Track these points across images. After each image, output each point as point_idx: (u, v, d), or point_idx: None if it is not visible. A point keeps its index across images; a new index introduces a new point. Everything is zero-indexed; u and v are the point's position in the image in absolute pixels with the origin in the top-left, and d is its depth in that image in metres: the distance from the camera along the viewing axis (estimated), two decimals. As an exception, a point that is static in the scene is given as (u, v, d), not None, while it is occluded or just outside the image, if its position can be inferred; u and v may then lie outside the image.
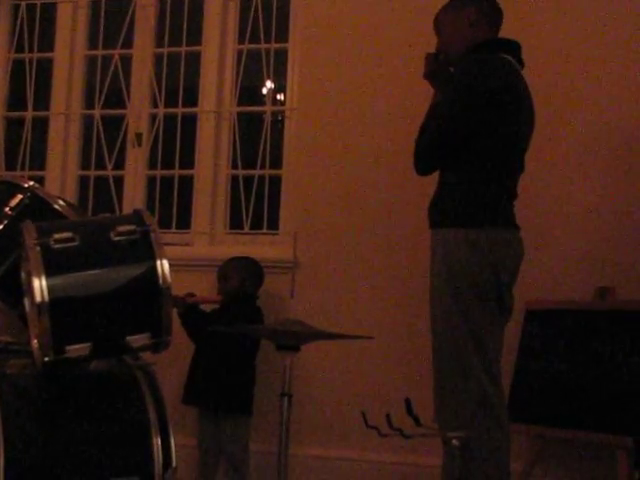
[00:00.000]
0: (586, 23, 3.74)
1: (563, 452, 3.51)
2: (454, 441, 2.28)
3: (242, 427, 3.67)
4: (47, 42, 4.55)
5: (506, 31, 2.91)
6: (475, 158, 2.69)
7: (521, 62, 2.84)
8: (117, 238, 1.97)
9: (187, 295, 3.70)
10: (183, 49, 4.43)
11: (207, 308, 3.83)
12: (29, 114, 4.53)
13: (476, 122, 2.66)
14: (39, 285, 1.84)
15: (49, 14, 4.56)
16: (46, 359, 1.88)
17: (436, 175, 2.85)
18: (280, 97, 4.50)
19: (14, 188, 2.31)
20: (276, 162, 4.24)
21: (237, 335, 3.55)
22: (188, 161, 4.33)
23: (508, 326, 2.88)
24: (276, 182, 4.21)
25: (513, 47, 2.82)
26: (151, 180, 4.39)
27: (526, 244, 2.84)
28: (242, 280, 3.78)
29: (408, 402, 2.36)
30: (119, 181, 4.39)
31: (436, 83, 2.90)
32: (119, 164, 4.41)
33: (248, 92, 4.47)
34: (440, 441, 2.52)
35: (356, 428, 3.68)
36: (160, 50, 4.44)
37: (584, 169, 3.69)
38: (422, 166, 2.79)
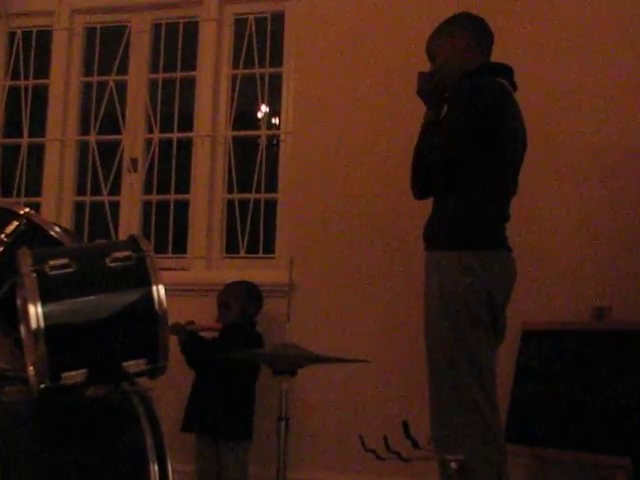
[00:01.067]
0: (577, 45, 3.78)
1: (562, 473, 3.49)
2: (452, 464, 2.27)
3: (242, 452, 3.66)
4: (43, 69, 4.58)
5: (498, 54, 2.93)
6: (470, 181, 2.70)
7: (514, 85, 2.86)
8: (113, 264, 1.97)
9: (187, 323, 3.71)
10: (178, 74, 4.46)
11: (207, 335, 3.83)
12: (25, 141, 4.55)
13: (474, 146, 2.67)
14: (35, 312, 1.84)
15: (45, 41, 4.59)
16: (42, 386, 1.87)
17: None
18: (275, 121, 4.52)
19: (10, 215, 2.31)
20: (271, 186, 4.25)
21: (237, 361, 3.55)
22: (184, 186, 4.34)
23: (505, 346, 2.89)
24: (272, 206, 4.22)
25: (506, 71, 2.84)
26: (147, 205, 4.40)
27: (523, 264, 2.84)
28: (243, 307, 3.79)
29: (406, 425, 2.36)
30: (115, 207, 4.40)
31: (429, 102, 2.91)
32: (115, 190, 4.42)
33: (243, 116, 4.49)
34: (437, 464, 2.51)
35: (354, 452, 3.67)
36: (155, 76, 4.47)
37: (578, 190, 3.71)
38: (420, 190, 2.81)
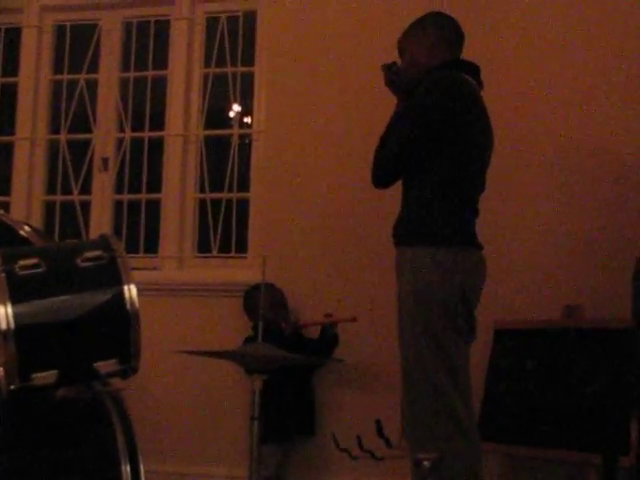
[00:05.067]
0: (546, 43, 3.80)
1: (534, 470, 3.52)
2: (425, 462, 2.28)
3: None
4: (12, 67, 4.53)
5: (468, 53, 2.95)
6: (437, 176, 2.72)
7: (480, 83, 2.89)
8: (84, 264, 1.95)
9: (326, 315, 3.73)
10: (149, 73, 4.44)
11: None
12: (-6, 139, 4.50)
13: (436, 139, 2.69)
14: (4, 312, 1.82)
15: (14, 39, 4.54)
16: (12, 387, 1.85)
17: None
18: (247, 120, 4.51)
19: (-22, 215, 2.29)
20: (244, 185, 4.24)
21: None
22: (155, 185, 4.32)
23: (477, 345, 2.90)
24: (244, 205, 4.21)
25: (472, 69, 2.87)
26: (118, 205, 4.37)
27: (493, 263, 2.86)
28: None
29: (379, 423, 2.37)
30: (86, 206, 4.37)
31: (396, 94, 2.96)
32: (86, 189, 4.38)
33: (215, 115, 4.48)
34: (411, 463, 2.52)
35: (330, 451, 3.68)
36: (126, 74, 4.44)
37: (548, 189, 3.74)
38: (378, 179, 2.83)
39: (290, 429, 3.66)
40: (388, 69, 2.96)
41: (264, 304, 3.73)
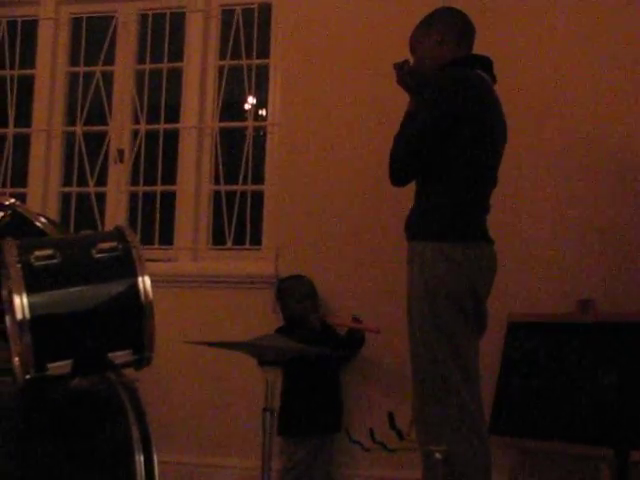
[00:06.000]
0: (557, 34, 3.79)
1: (546, 465, 3.52)
2: (436, 455, 2.29)
3: (330, 444, 3.72)
4: (28, 59, 4.55)
5: (478, 45, 2.95)
6: (450, 172, 2.71)
7: (493, 78, 2.88)
8: (99, 255, 1.97)
9: (354, 319, 3.71)
10: (165, 65, 4.44)
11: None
12: (10, 131, 4.52)
13: (448, 137, 2.68)
14: (20, 303, 1.84)
15: (30, 31, 4.56)
16: (27, 377, 1.87)
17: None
18: (262, 112, 4.51)
19: (-5, 206, 2.31)
20: (258, 177, 4.25)
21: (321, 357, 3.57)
22: (170, 177, 4.33)
23: (490, 339, 2.91)
24: (258, 197, 4.22)
25: (485, 63, 2.86)
26: (133, 196, 4.39)
27: (508, 257, 2.87)
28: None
29: (391, 416, 2.37)
30: (101, 198, 4.39)
31: (408, 92, 2.96)
32: (101, 181, 4.40)
33: (230, 108, 4.49)
34: (422, 455, 2.53)
35: (343, 444, 3.69)
36: (142, 67, 4.45)
37: (562, 182, 3.72)
38: (397, 178, 2.82)
39: (318, 426, 3.66)
40: (400, 68, 2.94)
41: (293, 296, 3.78)
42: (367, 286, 3.84)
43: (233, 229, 4.21)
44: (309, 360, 3.55)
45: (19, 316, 1.84)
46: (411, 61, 2.97)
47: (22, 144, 4.54)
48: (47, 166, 4.45)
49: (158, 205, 4.34)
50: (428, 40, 2.88)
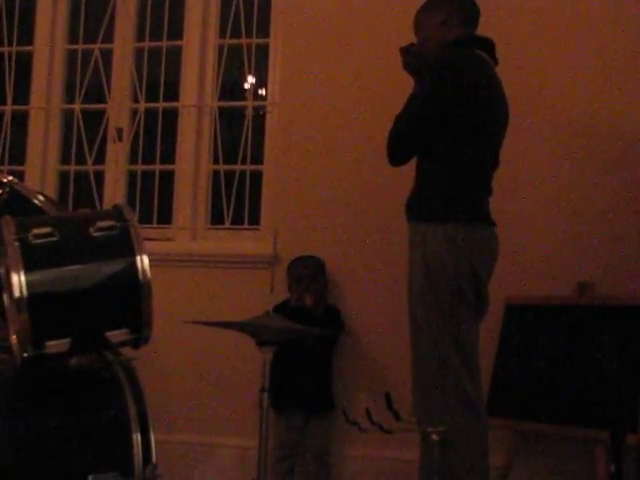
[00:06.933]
0: (557, 18, 3.77)
1: (542, 446, 3.54)
2: (433, 436, 2.29)
3: (327, 422, 3.74)
4: (27, 36, 4.52)
5: (480, 26, 2.92)
6: (451, 153, 2.70)
7: (495, 59, 2.86)
8: (97, 233, 1.97)
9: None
10: (164, 44, 4.41)
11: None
12: (8, 108, 4.50)
13: (447, 116, 2.67)
14: (18, 280, 1.84)
15: (29, 7, 4.53)
16: (25, 355, 1.88)
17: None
18: (261, 92, 4.49)
19: (-7, 183, 2.30)
20: (257, 157, 4.23)
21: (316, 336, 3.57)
22: (169, 156, 4.32)
23: (488, 321, 2.90)
24: (257, 177, 4.21)
25: (487, 44, 2.85)
26: (132, 175, 4.38)
27: (506, 239, 2.86)
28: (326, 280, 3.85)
29: (388, 397, 2.38)
30: (99, 176, 4.37)
31: (413, 74, 2.94)
32: (99, 159, 4.39)
33: (229, 87, 4.46)
34: (419, 436, 2.53)
35: (339, 424, 3.71)
36: (141, 45, 4.42)
37: (562, 164, 3.72)
38: (394, 157, 2.80)
39: (303, 404, 3.68)
40: (406, 51, 2.92)
41: (291, 276, 3.78)
42: (366, 265, 3.84)
43: (232, 209, 4.20)
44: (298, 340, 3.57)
45: (17, 294, 1.84)
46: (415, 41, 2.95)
47: (20, 122, 4.52)
48: (45, 144, 4.43)
49: (157, 184, 4.32)
50: (431, 20, 2.86)
